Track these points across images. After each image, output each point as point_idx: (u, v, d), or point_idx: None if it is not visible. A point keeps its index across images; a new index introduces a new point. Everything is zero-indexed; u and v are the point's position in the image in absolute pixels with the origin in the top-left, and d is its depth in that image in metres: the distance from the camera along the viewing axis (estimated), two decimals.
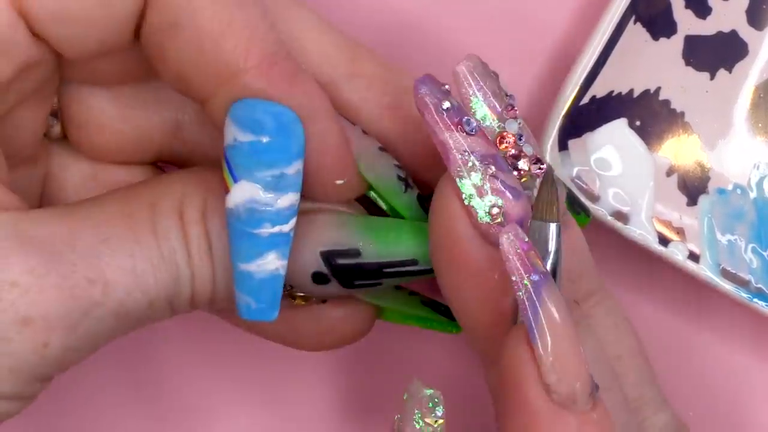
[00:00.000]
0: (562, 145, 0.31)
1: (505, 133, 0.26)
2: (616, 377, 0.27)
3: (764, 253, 0.32)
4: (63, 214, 0.24)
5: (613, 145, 0.32)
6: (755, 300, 0.31)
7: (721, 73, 0.33)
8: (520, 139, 0.26)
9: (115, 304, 0.24)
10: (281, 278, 0.26)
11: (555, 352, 0.23)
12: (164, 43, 0.24)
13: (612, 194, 0.32)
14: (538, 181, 0.25)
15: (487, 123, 0.26)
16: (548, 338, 0.23)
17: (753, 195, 0.33)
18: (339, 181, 0.26)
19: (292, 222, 0.25)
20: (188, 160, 0.29)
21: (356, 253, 0.27)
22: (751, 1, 0.33)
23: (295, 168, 0.24)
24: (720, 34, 0.33)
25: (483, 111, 0.26)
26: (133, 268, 0.24)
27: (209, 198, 0.26)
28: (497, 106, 0.26)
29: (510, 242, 0.23)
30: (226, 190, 0.24)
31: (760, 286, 0.32)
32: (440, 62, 0.33)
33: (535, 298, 0.23)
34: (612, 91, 0.32)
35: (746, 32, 0.33)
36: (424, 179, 0.28)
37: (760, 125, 0.33)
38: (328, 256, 0.27)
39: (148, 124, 0.28)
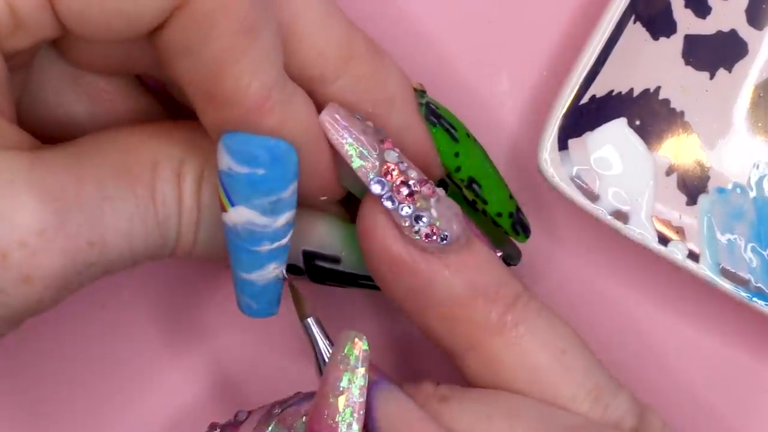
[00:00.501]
0: (562, 145, 0.31)
1: (387, 164, 0.26)
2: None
3: (764, 253, 0.32)
4: (70, 159, 0.25)
5: (612, 145, 0.32)
6: (755, 299, 0.32)
7: (721, 72, 0.33)
8: (403, 165, 0.26)
9: (106, 264, 0.25)
10: (281, 281, 0.26)
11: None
12: (173, 59, 0.24)
13: (612, 193, 0.32)
14: (432, 200, 0.26)
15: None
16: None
17: (753, 194, 0.33)
18: (323, 198, 0.27)
19: (290, 233, 0.26)
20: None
21: (336, 260, 0.28)
22: (750, 0, 0.33)
23: (290, 191, 0.25)
24: (720, 33, 0.33)
25: (359, 149, 0.26)
26: (129, 231, 0.25)
27: (206, 168, 0.26)
28: (371, 141, 0.26)
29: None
30: (223, 209, 0.25)
31: (759, 285, 0.32)
32: (440, 63, 0.33)
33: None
34: (612, 91, 0.32)
35: (746, 32, 0.33)
36: None
37: (759, 124, 0.33)
38: (308, 256, 0.27)
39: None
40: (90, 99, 0.28)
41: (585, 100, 0.32)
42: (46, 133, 0.27)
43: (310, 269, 0.28)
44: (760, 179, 0.33)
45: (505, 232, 0.31)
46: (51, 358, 0.33)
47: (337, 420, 0.25)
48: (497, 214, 0.30)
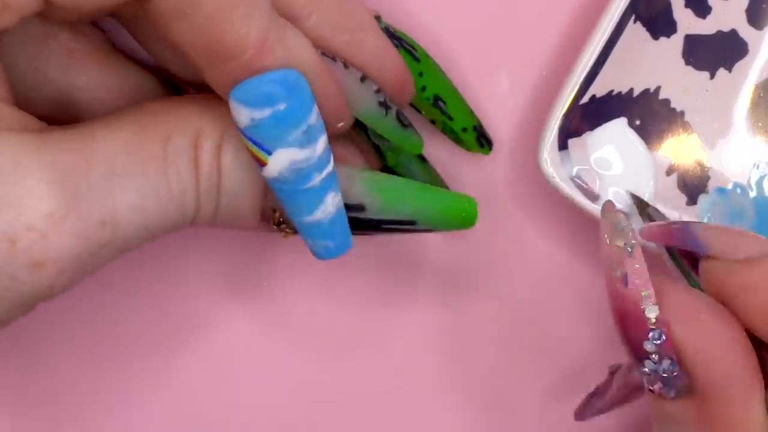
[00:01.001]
0: (562, 145, 0.31)
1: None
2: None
3: None
4: (79, 139, 0.24)
5: (612, 145, 0.32)
6: None
7: (721, 72, 0.33)
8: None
9: (120, 242, 0.25)
10: (344, 210, 0.27)
11: None
12: (169, 25, 0.24)
13: (612, 193, 0.32)
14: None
15: None
16: None
17: (753, 194, 0.33)
18: (340, 124, 0.28)
19: (332, 158, 0.26)
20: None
21: (361, 208, 0.28)
22: (751, 0, 0.33)
23: (315, 114, 0.25)
24: (720, 33, 0.33)
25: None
26: (141, 206, 0.25)
27: (225, 133, 0.26)
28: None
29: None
30: (262, 164, 0.25)
31: None
32: (440, 62, 0.33)
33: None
34: (612, 91, 0.32)
35: (746, 31, 0.33)
36: None
37: (760, 124, 0.33)
38: None
39: None
40: (64, 61, 0.28)
41: (585, 100, 0.32)
42: (39, 111, 0.27)
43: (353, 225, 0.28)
44: (761, 179, 0.33)
45: (468, 148, 0.32)
46: (60, 350, 0.33)
47: (624, 296, 0.25)
48: (462, 129, 0.32)
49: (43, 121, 0.25)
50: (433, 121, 0.32)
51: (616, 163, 0.32)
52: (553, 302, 0.34)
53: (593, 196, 0.32)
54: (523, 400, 0.34)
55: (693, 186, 0.33)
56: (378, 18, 0.30)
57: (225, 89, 0.25)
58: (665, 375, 0.25)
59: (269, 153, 0.25)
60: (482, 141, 0.32)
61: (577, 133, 0.32)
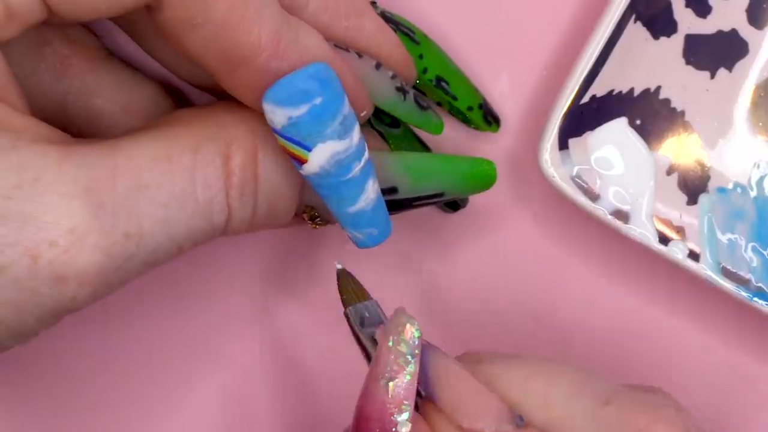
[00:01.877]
0: (563, 145, 0.31)
1: None
2: None
3: (764, 252, 0.32)
4: (105, 153, 0.24)
5: (613, 144, 0.32)
6: (755, 299, 0.31)
7: (722, 72, 0.33)
8: None
9: (146, 255, 0.25)
10: (382, 196, 0.28)
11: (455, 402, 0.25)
12: (181, 36, 0.25)
13: (612, 193, 0.32)
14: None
15: None
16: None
17: (753, 194, 0.33)
18: (363, 113, 0.28)
19: (366, 146, 0.26)
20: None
21: (394, 191, 0.29)
22: (751, 0, 0.33)
23: (347, 105, 0.25)
24: (720, 33, 0.33)
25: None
26: (166, 218, 0.25)
27: (257, 139, 0.26)
28: None
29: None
30: (303, 162, 0.25)
31: (760, 285, 0.32)
32: None
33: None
34: (612, 90, 0.32)
35: (746, 31, 0.33)
36: None
37: (760, 124, 0.33)
38: None
39: None
40: (58, 67, 0.28)
41: (585, 99, 0.32)
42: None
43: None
44: (761, 179, 0.33)
45: (476, 127, 0.33)
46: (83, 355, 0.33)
47: (385, 402, 0.25)
48: (468, 108, 0.32)
49: (66, 133, 0.25)
50: (439, 103, 0.32)
51: (617, 163, 0.32)
52: (552, 302, 0.34)
53: (594, 196, 0.32)
54: None
55: (693, 186, 0.33)
56: (373, 4, 0.30)
57: (245, 94, 0.25)
58: None
59: (309, 149, 0.25)
60: (489, 119, 0.33)
61: (578, 133, 0.32)
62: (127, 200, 0.24)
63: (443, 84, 0.31)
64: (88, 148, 0.24)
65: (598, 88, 0.32)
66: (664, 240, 0.32)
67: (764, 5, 0.33)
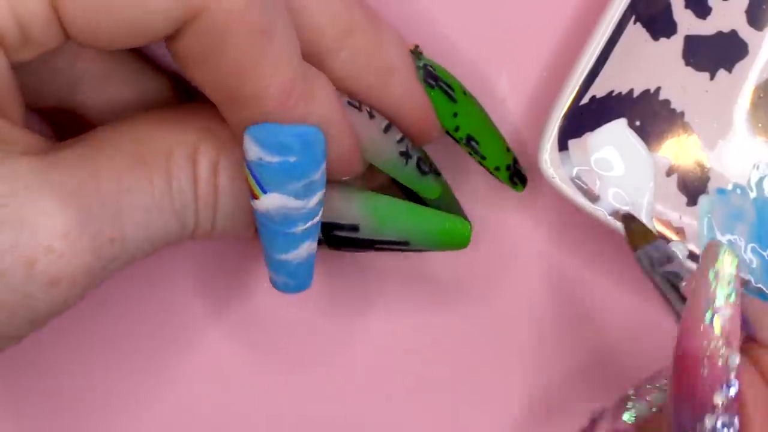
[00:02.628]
0: (562, 145, 0.31)
1: None
2: None
3: (764, 253, 0.32)
4: (84, 158, 0.24)
5: (613, 145, 0.32)
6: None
7: (721, 73, 0.33)
8: None
9: (127, 257, 0.25)
10: (314, 255, 0.27)
11: None
12: (192, 67, 0.24)
13: (612, 194, 0.32)
14: None
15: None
16: None
17: (753, 195, 0.33)
18: (345, 178, 0.28)
19: (321, 210, 0.26)
20: None
21: (354, 229, 0.28)
22: (750, 1, 0.33)
23: (321, 172, 0.25)
24: (720, 34, 0.33)
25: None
26: (147, 222, 0.25)
27: (222, 151, 0.26)
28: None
29: None
30: (255, 197, 0.25)
31: (759, 285, 0.32)
32: (440, 63, 0.33)
33: None
34: (612, 91, 0.32)
35: (746, 32, 0.33)
36: None
37: (760, 125, 0.33)
38: (327, 227, 0.28)
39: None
40: (73, 52, 0.27)
41: (585, 100, 0.32)
42: (46, 103, 0.27)
43: (329, 239, 0.28)
44: (761, 180, 0.33)
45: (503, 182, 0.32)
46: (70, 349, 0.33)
47: (714, 338, 0.23)
48: (495, 168, 0.31)
49: (49, 139, 0.25)
50: (470, 153, 0.32)
51: (617, 164, 0.32)
52: (552, 302, 0.34)
53: (593, 197, 0.32)
54: (520, 400, 0.34)
55: (693, 187, 0.33)
56: (419, 53, 0.29)
57: (238, 129, 0.25)
58: None
59: (264, 192, 0.25)
60: (515, 179, 0.32)
61: (578, 134, 0.32)
62: (111, 203, 0.24)
63: (473, 143, 0.31)
64: (69, 152, 0.25)
65: (598, 89, 0.32)
66: (664, 241, 0.32)
67: (764, 6, 0.33)
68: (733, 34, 0.33)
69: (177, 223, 0.26)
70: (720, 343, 0.23)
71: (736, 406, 0.23)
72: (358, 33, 0.27)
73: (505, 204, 0.34)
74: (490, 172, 0.32)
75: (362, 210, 0.28)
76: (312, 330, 0.34)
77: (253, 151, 0.24)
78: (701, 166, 0.33)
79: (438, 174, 0.31)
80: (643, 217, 0.32)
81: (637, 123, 0.33)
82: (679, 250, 0.32)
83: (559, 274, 0.34)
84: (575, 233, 0.34)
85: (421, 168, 0.30)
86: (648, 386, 0.26)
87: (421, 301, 0.34)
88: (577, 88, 0.31)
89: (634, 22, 0.32)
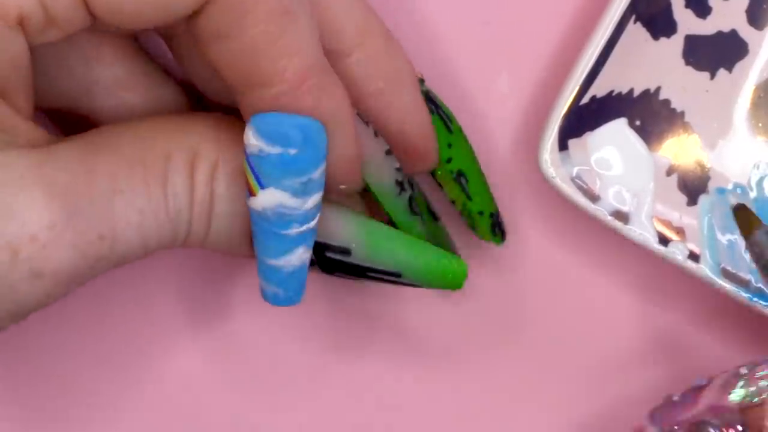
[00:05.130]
0: (562, 145, 0.31)
1: None
2: None
3: None
4: (83, 155, 0.25)
5: (613, 145, 0.32)
6: (755, 300, 0.31)
7: (721, 72, 0.33)
8: None
9: (117, 257, 0.25)
10: (307, 267, 0.27)
11: None
12: (210, 45, 0.24)
13: (612, 194, 0.32)
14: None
15: None
16: None
17: (753, 194, 0.33)
18: (342, 186, 0.27)
19: (318, 216, 0.26)
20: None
21: (346, 252, 0.28)
22: (751, 0, 0.33)
23: (320, 171, 0.25)
24: (720, 33, 0.33)
25: None
26: (140, 224, 0.25)
27: (221, 157, 0.26)
28: None
29: None
30: (252, 193, 0.25)
31: (760, 285, 0.32)
32: (440, 63, 0.33)
33: None
34: (612, 91, 0.32)
35: (746, 32, 0.33)
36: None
37: (760, 125, 0.33)
38: (318, 248, 0.27)
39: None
40: (89, 54, 0.28)
41: (585, 100, 0.32)
42: (57, 102, 0.27)
43: (320, 260, 0.28)
44: (761, 180, 0.33)
45: (481, 236, 0.31)
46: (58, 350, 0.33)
47: None
48: (479, 212, 0.31)
49: (52, 135, 0.25)
50: (452, 201, 0.31)
51: (617, 164, 0.32)
52: (552, 302, 0.34)
53: (594, 197, 0.32)
54: (521, 399, 0.34)
55: (693, 186, 0.33)
56: (421, 80, 0.30)
57: (247, 114, 0.25)
58: None
59: (262, 187, 0.25)
60: (496, 230, 0.31)
61: (578, 134, 0.32)
62: (103, 203, 0.24)
63: (462, 180, 0.30)
64: (68, 146, 0.25)
65: (598, 89, 0.32)
66: (664, 241, 0.32)
67: (764, 6, 0.33)
68: (734, 33, 0.33)
69: (170, 228, 0.26)
70: None
71: None
72: (373, 37, 0.27)
73: (504, 204, 0.34)
74: (469, 219, 0.31)
75: (356, 234, 0.28)
76: (292, 357, 0.33)
77: (253, 141, 0.24)
78: (701, 166, 0.33)
79: (436, 219, 0.31)
80: (643, 218, 0.32)
81: (638, 123, 0.32)
82: (679, 250, 0.32)
83: (558, 274, 0.34)
84: (575, 233, 0.34)
85: (411, 206, 0.29)
86: (761, 372, 0.26)
87: (417, 301, 0.34)
88: (577, 88, 0.31)
89: (634, 22, 0.32)
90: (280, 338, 0.33)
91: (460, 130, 0.31)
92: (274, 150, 0.24)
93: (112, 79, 0.28)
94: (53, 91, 0.28)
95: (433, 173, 0.30)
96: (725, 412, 0.26)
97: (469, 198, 0.31)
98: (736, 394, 0.26)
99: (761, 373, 0.26)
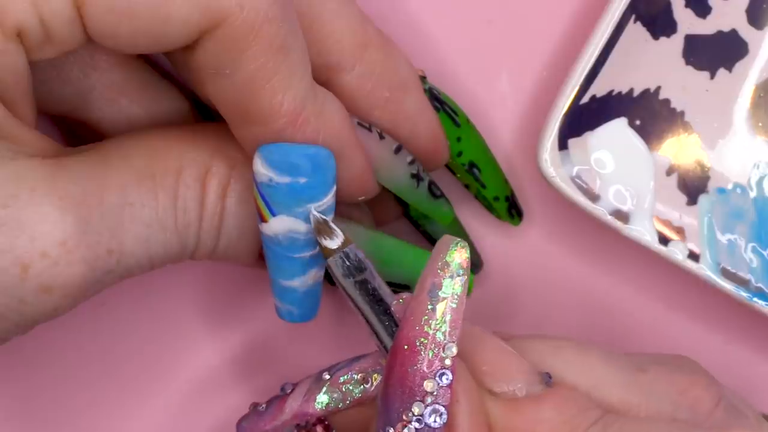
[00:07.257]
0: (562, 145, 0.31)
1: None
2: None
3: (764, 253, 0.32)
4: (94, 165, 0.25)
5: (613, 145, 0.32)
6: (755, 299, 0.31)
7: (721, 72, 0.33)
8: None
9: (123, 271, 0.25)
10: (320, 285, 0.27)
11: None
12: (206, 80, 0.25)
13: (612, 193, 0.32)
14: None
15: None
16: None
17: (753, 194, 0.33)
18: (361, 198, 0.28)
19: None
20: None
21: None
22: (751, 0, 0.33)
23: (331, 195, 0.25)
24: (720, 33, 0.33)
25: None
26: (148, 238, 0.25)
27: (233, 174, 0.26)
28: None
29: None
30: (263, 220, 0.25)
31: (760, 285, 0.32)
32: (440, 63, 0.33)
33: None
34: (612, 91, 0.32)
35: (746, 31, 0.33)
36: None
37: (760, 124, 0.33)
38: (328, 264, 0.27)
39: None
40: (86, 62, 0.28)
41: (585, 100, 0.32)
42: (55, 108, 0.27)
43: (329, 274, 0.28)
44: (761, 179, 0.33)
45: (498, 216, 0.32)
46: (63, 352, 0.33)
47: (434, 326, 0.24)
48: (494, 198, 0.32)
49: (60, 144, 0.25)
50: (466, 186, 0.32)
51: (617, 164, 0.32)
52: (553, 302, 0.34)
53: (593, 196, 0.32)
54: None
55: (693, 186, 0.33)
56: (423, 78, 0.30)
57: (250, 147, 0.25)
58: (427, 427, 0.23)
59: (273, 214, 0.25)
60: (513, 212, 0.32)
61: (578, 133, 0.32)
62: (112, 215, 0.24)
63: (475, 170, 0.31)
64: (78, 160, 0.25)
65: (598, 89, 0.32)
66: (663, 240, 0.32)
67: (764, 5, 0.33)
68: (734, 33, 0.33)
69: (178, 242, 0.26)
70: (439, 331, 0.23)
71: (448, 396, 0.23)
72: (373, 48, 0.27)
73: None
74: (487, 204, 0.32)
75: (366, 247, 0.28)
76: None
77: (263, 171, 0.25)
78: (701, 166, 0.33)
79: (448, 202, 0.31)
80: (643, 217, 0.32)
81: (638, 122, 0.32)
82: (679, 249, 0.32)
83: (558, 273, 0.34)
84: (575, 233, 0.34)
85: (432, 191, 0.30)
86: (344, 371, 0.26)
87: None
88: (577, 87, 0.31)
89: (634, 22, 0.32)
90: (294, 340, 0.33)
91: (467, 121, 0.31)
92: (284, 179, 0.24)
93: (109, 85, 0.28)
94: (50, 97, 0.27)
95: (445, 164, 0.31)
96: (309, 419, 0.26)
97: (483, 186, 0.31)
98: (320, 402, 0.26)
99: (344, 378, 0.26)
